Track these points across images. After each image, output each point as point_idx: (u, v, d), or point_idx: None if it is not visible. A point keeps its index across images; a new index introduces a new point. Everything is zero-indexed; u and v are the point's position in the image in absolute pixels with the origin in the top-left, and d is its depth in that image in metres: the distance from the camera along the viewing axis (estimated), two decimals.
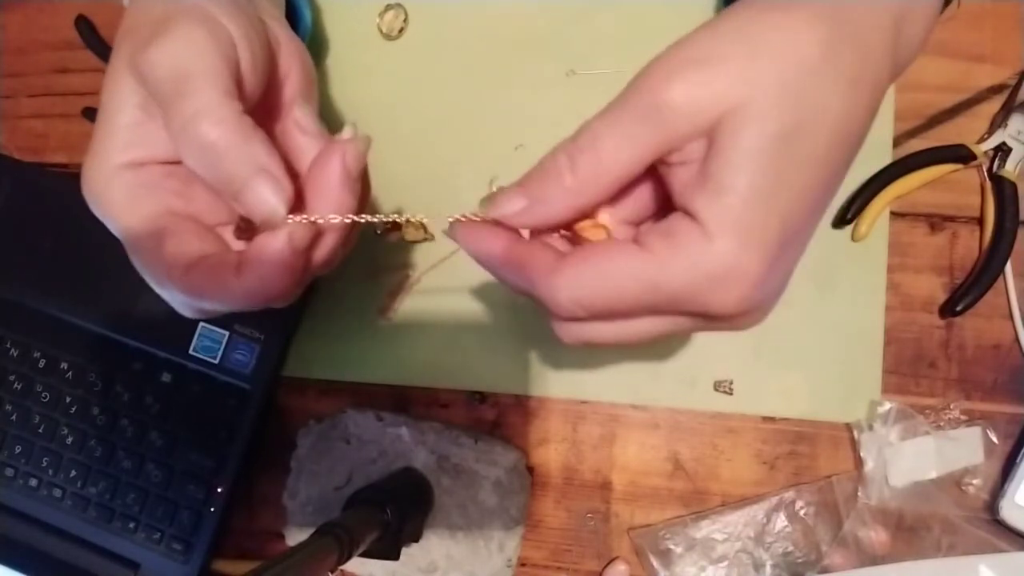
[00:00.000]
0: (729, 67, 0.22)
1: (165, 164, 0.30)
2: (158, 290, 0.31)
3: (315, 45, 0.50)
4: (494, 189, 0.40)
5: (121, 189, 0.29)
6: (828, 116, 0.23)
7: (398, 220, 0.33)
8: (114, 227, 0.30)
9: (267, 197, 0.27)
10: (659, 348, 0.47)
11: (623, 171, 0.24)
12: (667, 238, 0.23)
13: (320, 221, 0.28)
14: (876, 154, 0.47)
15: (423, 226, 0.49)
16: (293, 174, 0.29)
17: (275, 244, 0.27)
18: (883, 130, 0.47)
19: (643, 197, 0.27)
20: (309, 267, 0.30)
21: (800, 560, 0.46)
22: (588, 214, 0.26)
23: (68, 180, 0.52)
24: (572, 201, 0.25)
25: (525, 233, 0.28)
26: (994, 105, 0.47)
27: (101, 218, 0.30)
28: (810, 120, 0.22)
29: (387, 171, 0.50)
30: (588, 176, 0.24)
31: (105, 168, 0.29)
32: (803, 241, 0.25)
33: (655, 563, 0.46)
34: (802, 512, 0.46)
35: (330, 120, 0.49)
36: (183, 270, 0.29)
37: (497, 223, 0.27)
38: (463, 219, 0.27)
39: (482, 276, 0.49)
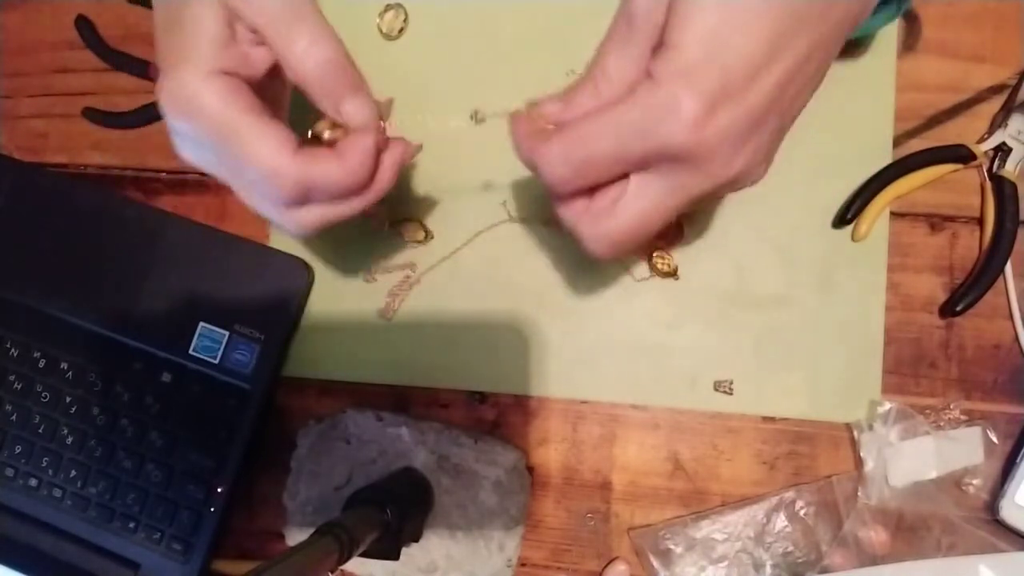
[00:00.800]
0: None
1: (243, 81, 0.33)
2: (264, 190, 0.34)
3: None
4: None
5: (215, 91, 0.31)
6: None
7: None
8: (209, 127, 0.32)
9: (365, 107, 0.35)
10: (659, 348, 0.48)
11: (627, 76, 0.30)
12: (629, 95, 0.28)
13: (391, 136, 0.36)
14: (876, 154, 0.47)
15: (423, 227, 0.49)
16: None
17: (367, 138, 0.34)
18: (883, 130, 0.47)
19: None
20: (378, 176, 0.36)
21: (800, 560, 0.46)
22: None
23: (68, 180, 0.52)
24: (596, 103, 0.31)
25: None
26: (994, 105, 0.47)
27: (191, 123, 0.32)
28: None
29: None
30: (602, 85, 0.31)
31: (197, 73, 0.31)
32: (760, 104, 0.28)
33: (655, 563, 0.46)
34: (802, 512, 0.46)
35: None
36: (293, 149, 0.32)
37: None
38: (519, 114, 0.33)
39: (482, 276, 0.49)
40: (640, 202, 0.30)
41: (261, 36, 0.33)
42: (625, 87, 0.30)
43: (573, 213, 0.32)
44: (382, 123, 0.36)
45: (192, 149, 0.34)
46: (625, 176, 0.30)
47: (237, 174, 0.34)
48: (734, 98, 0.27)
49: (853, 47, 0.47)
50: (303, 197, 0.34)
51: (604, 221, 0.31)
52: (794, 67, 0.28)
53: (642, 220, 0.31)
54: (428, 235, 0.49)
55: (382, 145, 0.35)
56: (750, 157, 0.29)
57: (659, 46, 0.29)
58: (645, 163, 0.29)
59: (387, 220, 0.49)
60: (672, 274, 0.47)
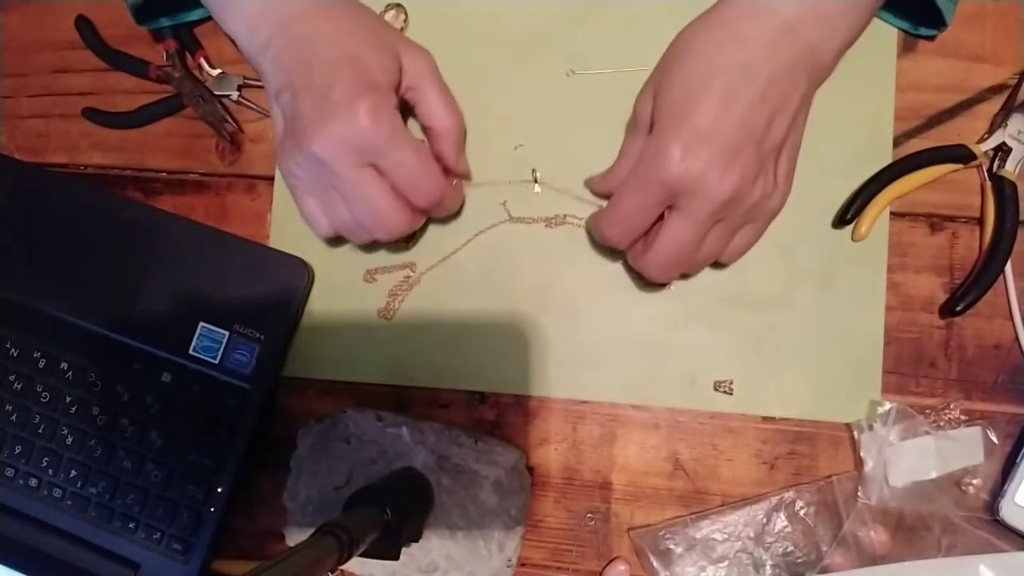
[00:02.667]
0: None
1: None
2: (423, 185, 0.42)
3: None
4: (537, 175, 0.49)
5: (394, 112, 0.41)
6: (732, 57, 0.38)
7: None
8: (393, 132, 0.40)
9: (464, 163, 0.48)
10: (659, 348, 0.48)
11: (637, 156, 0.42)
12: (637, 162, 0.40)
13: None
14: (876, 154, 0.47)
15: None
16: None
17: (460, 191, 0.48)
18: (883, 130, 0.47)
19: None
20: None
21: (800, 560, 0.46)
22: None
23: (68, 180, 0.52)
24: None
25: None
26: (994, 105, 0.47)
27: (376, 130, 0.39)
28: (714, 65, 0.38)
29: None
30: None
31: (388, 96, 0.41)
32: (730, 138, 0.37)
33: (655, 563, 0.46)
34: (802, 512, 0.46)
35: None
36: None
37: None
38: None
39: (482, 276, 0.49)
40: (667, 232, 0.40)
41: (414, 89, 0.44)
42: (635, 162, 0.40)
43: (633, 254, 0.43)
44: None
45: (341, 148, 0.39)
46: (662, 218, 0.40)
47: (362, 183, 0.40)
48: (706, 137, 0.37)
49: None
50: (434, 205, 0.43)
51: (648, 254, 0.41)
52: (749, 107, 0.37)
53: (672, 246, 0.40)
54: (410, 242, 0.49)
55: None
56: (739, 179, 0.37)
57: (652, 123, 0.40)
58: (664, 201, 0.39)
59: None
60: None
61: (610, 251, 0.47)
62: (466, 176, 0.48)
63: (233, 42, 0.45)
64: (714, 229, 0.40)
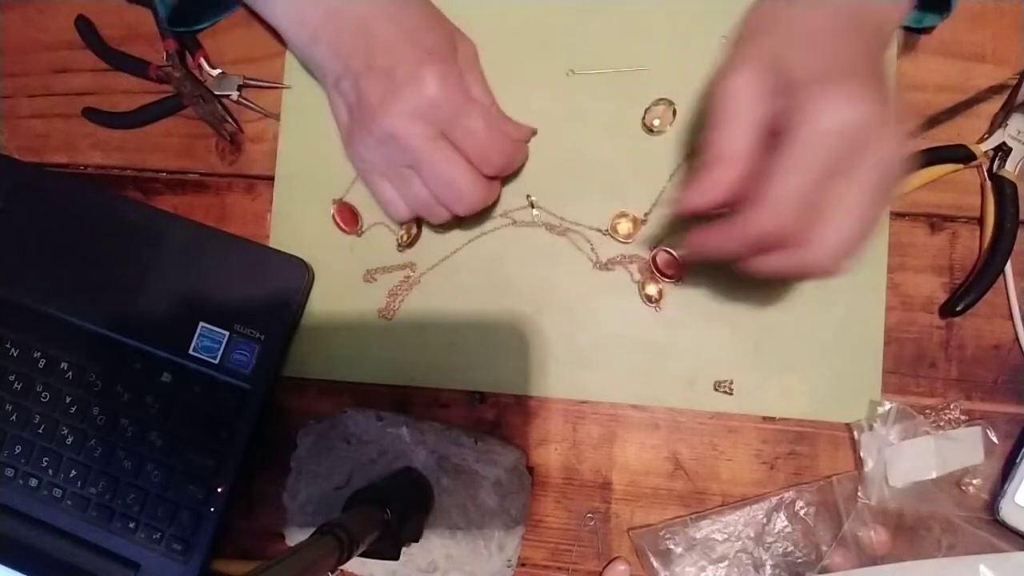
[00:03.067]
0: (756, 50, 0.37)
1: None
2: (502, 144, 0.42)
3: None
4: (533, 200, 0.48)
5: (460, 82, 0.42)
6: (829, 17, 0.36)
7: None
8: (469, 96, 0.41)
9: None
10: (659, 348, 0.48)
11: (745, 150, 0.36)
12: (787, 139, 0.34)
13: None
14: None
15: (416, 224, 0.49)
16: None
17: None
18: None
19: None
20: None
21: (800, 560, 0.46)
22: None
23: (68, 180, 0.52)
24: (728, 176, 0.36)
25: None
26: (994, 105, 0.47)
27: (452, 96, 0.40)
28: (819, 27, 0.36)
29: None
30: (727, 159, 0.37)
31: (455, 66, 0.41)
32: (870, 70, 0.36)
33: (655, 563, 0.46)
34: (802, 512, 0.46)
35: None
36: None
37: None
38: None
39: (482, 276, 0.49)
40: (841, 204, 0.34)
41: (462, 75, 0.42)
42: (744, 155, 0.35)
43: (794, 252, 0.35)
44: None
45: (417, 120, 0.39)
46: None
47: (437, 156, 0.40)
48: (863, 80, 0.34)
49: None
50: (506, 166, 0.43)
51: (823, 240, 0.34)
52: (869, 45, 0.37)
53: (856, 217, 0.34)
54: (418, 234, 0.49)
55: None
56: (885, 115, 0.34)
57: (787, 91, 0.34)
58: (836, 164, 0.33)
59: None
60: (628, 237, 0.48)
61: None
62: (531, 134, 0.47)
63: (278, 37, 0.46)
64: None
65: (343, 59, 0.41)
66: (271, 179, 0.51)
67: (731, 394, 0.47)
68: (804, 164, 0.33)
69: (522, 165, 0.47)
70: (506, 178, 0.48)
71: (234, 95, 0.50)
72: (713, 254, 0.38)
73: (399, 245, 0.49)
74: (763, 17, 0.38)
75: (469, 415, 0.49)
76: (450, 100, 0.39)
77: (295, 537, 0.47)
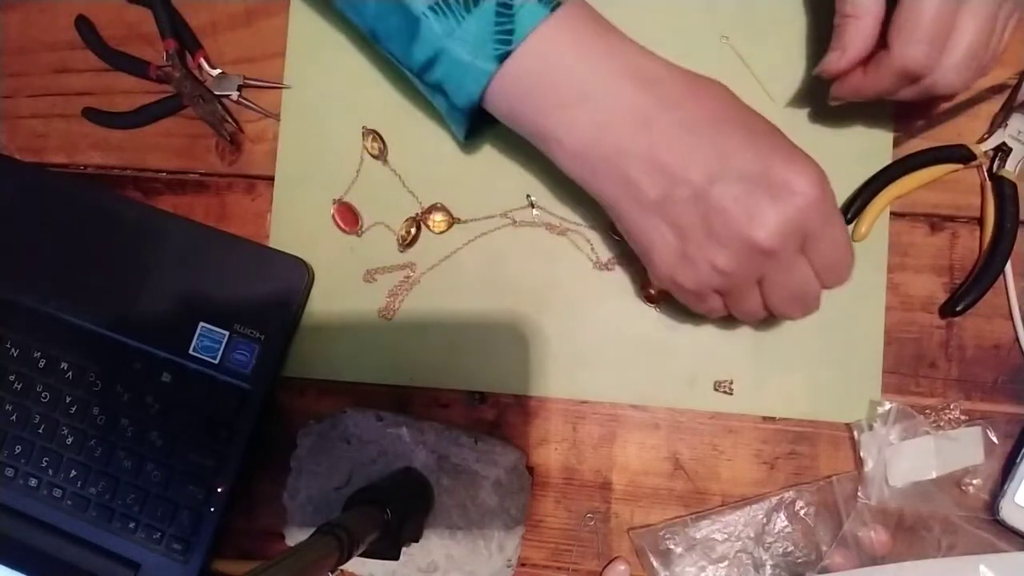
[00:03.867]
0: None
1: None
2: (835, 267, 0.39)
3: (319, 49, 0.50)
4: (532, 200, 0.48)
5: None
6: None
7: None
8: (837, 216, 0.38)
9: None
10: (659, 348, 0.47)
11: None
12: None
13: None
14: (876, 154, 0.47)
15: (448, 214, 0.49)
16: None
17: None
18: (883, 130, 0.47)
19: None
20: None
21: (800, 560, 0.46)
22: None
23: (68, 180, 0.52)
24: (861, 33, 0.38)
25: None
26: (994, 105, 0.47)
27: (831, 214, 0.37)
28: None
29: (397, 166, 0.50)
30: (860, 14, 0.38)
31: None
32: None
33: (655, 563, 0.46)
34: (802, 512, 0.46)
35: (349, 124, 0.49)
36: None
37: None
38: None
39: (482, 276, 0.49)
40: (963, 22, 0.36)
41: None
42: (874, 6, 0.37)
43: (930, 73, 0.37)
44: None
45: (787, 239, 0.35)
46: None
47: (800, 269, 0.37)
48: None
49: None
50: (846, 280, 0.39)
51: (948, 54, 0.37)
52: None
53: (976, 31, 0.36)
54: (451, 223, 0.49)
55: None
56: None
57: None
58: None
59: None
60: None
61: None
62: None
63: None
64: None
65: (669, 173, 0.35)
66: (271, 179, 0.51)
67: (731, 394, 0.47)
68: None
69: None
70: (508, 178, 0.48)
71: (234, 95, 0.50)
72: (863, 95, 0.40)
73: (399, 245, 0.49)
74: None
75: (469, 415, 0.49)
76: (828, 207, 0.35)
77: (295, 537, 0.47)
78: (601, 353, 0.48)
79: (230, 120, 0.51)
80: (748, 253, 0.35)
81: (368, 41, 0.42)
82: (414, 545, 0.46)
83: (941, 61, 0.37)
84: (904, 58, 0.37)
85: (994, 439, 0.45)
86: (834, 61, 0.40)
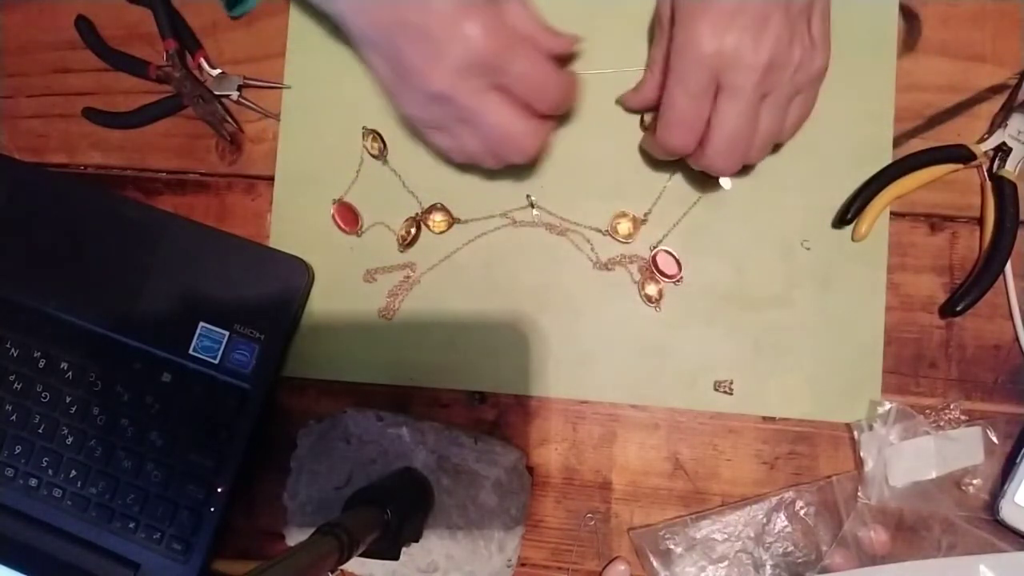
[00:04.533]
0: None
1: None
2: (534, 93, 0.40)
3: (319, 49, 0.50)
4: (532, 200, 0.48)
5: (503, 25, 0.39)
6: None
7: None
8: (519, 45, 0.39)
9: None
10: (659, 348, 0.47)
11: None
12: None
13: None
14: (876, 154, 0.47)
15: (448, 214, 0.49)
16: None
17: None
18: (883, 130, 0.47)
19: None
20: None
21: (800, 560, 0.46)
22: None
23: (68, 180, 0.52)
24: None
25: None
26: (994, 105, 0.47)
27: (505, 44, 0.38)
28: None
29: (397, 166, 0.50)
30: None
31: (495, 10, 0.39)
32: (758, 10, 0.38)
33: (655, 563, 0.46)
34: (802, 512, 0.46)
35: (349, 124, 0.49)
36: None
37: None
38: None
39: (482, 276, 0.49)
40: (720, 115, 0.39)
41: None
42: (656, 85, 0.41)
43: (695, 156, 0.42)
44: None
45: (465, 74, 0.38)
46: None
47: (489, 110, 0.40)
48: (732, 11, 0.37)
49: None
50: (559, 105, 0.42)
51: (708, 146, 0.40)
52: None
53: (728, 128, 0.39)
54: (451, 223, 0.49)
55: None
56: (774, 43, 0.38)
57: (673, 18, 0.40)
58: (709, 86, 0.38)
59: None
60: (628, 237, 0.48)
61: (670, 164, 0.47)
62: (575, 45, 0.44)
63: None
64: (765, 105, 0.40)
65: (371, 14, 0.39)
66: (271, 179, 0.51)
67: (731, 394, 0.47)
68: (682, 85, 0.39)
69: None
70: (509, 175, 0.48)
71: (234, 95, 0.50)
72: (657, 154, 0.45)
73: (399, 245, 0.49)
74: None
75: (469, 415, 0.49)
76: (495, 50, 0.38)
77: (295, 537, 0.47)
78: (601, 353, 0.48)
79: (230, 120, 0.51)
80: (432, 97, 0.39)
81: None
82: (414, 545, 0.46)
83: (704, 147, 0.40)
84: (662, 140, 0.41)
85: (994, 439, 0.45)
86: (628, 98, 0.47)
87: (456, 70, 0.38)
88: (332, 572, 0.34)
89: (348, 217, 0.49)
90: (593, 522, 0.48)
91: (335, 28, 0.50)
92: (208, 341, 0.49)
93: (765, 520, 0.46)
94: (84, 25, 0.52)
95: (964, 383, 0.46)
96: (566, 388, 0.48)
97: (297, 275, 0.49)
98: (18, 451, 0.50)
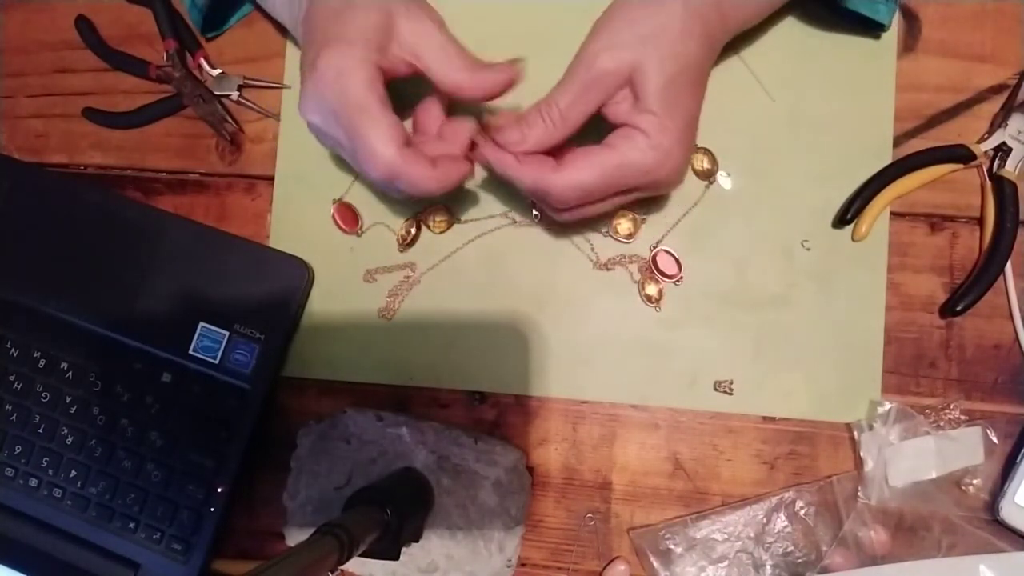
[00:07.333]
0: (629, 48, 0.38)
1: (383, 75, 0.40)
2: (366, 164, 0.39)
3: None
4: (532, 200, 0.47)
5: (367, 71, 0.38)
6: (691, 60, 0.39)
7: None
8: (345, 101, 0.38)
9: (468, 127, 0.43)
10: (659, 348, 0.48)
11: (580, 120, 0.40)
12: (624, 140, 0.39)
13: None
14: (876, 154, 0.47)
15: (448, 214, 0.49)
16: None
17: (464, 167, 0.42)
18: (883, 130, 0.47)
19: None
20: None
21: (800, 560, 0.46)
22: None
23: (68, 180, 0.52)
24: (549, 137, 0.40)
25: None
26: (994, 105, 0.47)
27: (331, 92, 0.38)
28: (682, 66, 0.38)
29: None
30: (557, 123, 0.40)
31: (356, 53, 0.38)
32: (693, 129, 0.41)
33: (655, 563, 0.46)
34: (802, 512, 0.46)
35: None
36: (400, 144, 0.38)
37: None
38: (483, 140, 0.41)
39: (482, 276, 0.49)
40: (602, 205, 0.41)
41: (415, 55, 0.40)
42: (574, 128, 0.40)
43: (568, 215, 0.42)
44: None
45: (317, 111, 0.39)
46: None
47: (350, 144, 0.39)
48: (687, 133, 0.39)
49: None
50: (391, 182, 0.39)
51: (567, 215, 0.41)
52: (701, 97, 0.41)
53: (595, 212, 0.41)
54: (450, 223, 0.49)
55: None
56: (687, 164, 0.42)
57: (635, 106, 0.39)
58: (631, 186, 0.40)
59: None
60: (628, 237, 0.48)
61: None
62: (505, 77, 0.41)
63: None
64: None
65: (304, 34, 0.41)
66: (271, 179, 0.51)
67: (731, 394, 0.47)
68: (611, 180, 0.39)
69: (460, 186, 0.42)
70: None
71: (234, 95, 0.50)
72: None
73: (399, 245, 0.49)
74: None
75: (469, 415, 0.49)
76: (336, 97, 0.37)
77: (295, 537, 0.47)
78: (601, 353, 0.48)
79: (230, 120, 0.51)
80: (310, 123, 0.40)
81: None
82: (414, 545, 0.46)
83: (560, 212, 0.41)
84: (548, 196, 0.40)
85: (994, 439, 0.45)
86: (509, 133, 0.41)
87: (313, 103, 0.39)
88: (332, 572, 0.34)
89: (348, 217, 0.49)
90: (593, 522, 0.48)
91: None
92: (208, 341, 0.49)
93: (765, 520, 0.46)
94: (84, 25, 0.52)
95: (964, 383, 0.46)
96: (566, 388, 0.48)
97: (297, 275, 0.49)
98: (18, 451, 0.50)
